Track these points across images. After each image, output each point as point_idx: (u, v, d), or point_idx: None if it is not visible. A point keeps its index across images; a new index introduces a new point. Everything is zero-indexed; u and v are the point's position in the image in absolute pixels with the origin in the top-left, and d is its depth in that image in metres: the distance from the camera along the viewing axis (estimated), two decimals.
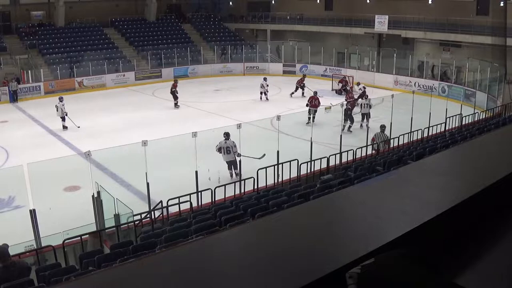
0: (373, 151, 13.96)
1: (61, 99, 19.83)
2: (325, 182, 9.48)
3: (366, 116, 18.54)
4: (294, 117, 18.17)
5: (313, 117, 17.75)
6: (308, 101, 20.50)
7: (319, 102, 20.03)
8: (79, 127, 19.40)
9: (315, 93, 21.04)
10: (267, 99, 24.84)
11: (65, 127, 19.48)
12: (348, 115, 18.04)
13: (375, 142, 14.45)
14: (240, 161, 13.00)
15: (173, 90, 23.40)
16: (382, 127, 14.73)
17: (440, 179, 1.98)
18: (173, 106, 23.46)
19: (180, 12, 40.25)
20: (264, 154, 11.70)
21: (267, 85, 24.88)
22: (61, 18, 33.36)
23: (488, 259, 1.47)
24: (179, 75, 32.05)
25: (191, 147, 11.24)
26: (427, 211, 1.56)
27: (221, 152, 13.12)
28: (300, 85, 25.57)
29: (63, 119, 19.44)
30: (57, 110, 19.51)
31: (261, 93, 24.86)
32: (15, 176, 10.95)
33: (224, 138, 13.07)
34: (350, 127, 18.28)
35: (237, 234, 1.60)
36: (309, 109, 19.45)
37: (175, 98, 23.42)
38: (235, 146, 12.95)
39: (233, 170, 13.17)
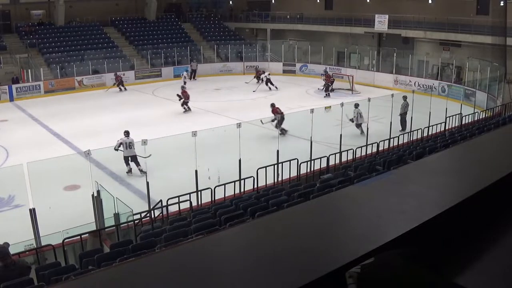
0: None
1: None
2: (325, 182, 9.49)
3: None
4: (294, 117, 18.14)
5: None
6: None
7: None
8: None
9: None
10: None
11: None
12: None
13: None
14: (240, 161, 12.98)
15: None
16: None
17: (440, 179, 1.98)
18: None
19: (180, 11, 40.21)
20: (150, 155, 11.98)
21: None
22: (61, 17, 33.33)
23: (488, 259, 1.47)
24: (179, 74, 32.07)
25: (191, 146, 11.23)
26: (427, 210, 1.56)
27: (119, 148, 13.64)
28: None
29: None
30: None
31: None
32: (15, 175, 10.93)
33: (125, 135, 13.91)
34: None
35: (237, 233, 1.60)
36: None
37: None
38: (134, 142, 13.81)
39: (136, 166, 13.62)
